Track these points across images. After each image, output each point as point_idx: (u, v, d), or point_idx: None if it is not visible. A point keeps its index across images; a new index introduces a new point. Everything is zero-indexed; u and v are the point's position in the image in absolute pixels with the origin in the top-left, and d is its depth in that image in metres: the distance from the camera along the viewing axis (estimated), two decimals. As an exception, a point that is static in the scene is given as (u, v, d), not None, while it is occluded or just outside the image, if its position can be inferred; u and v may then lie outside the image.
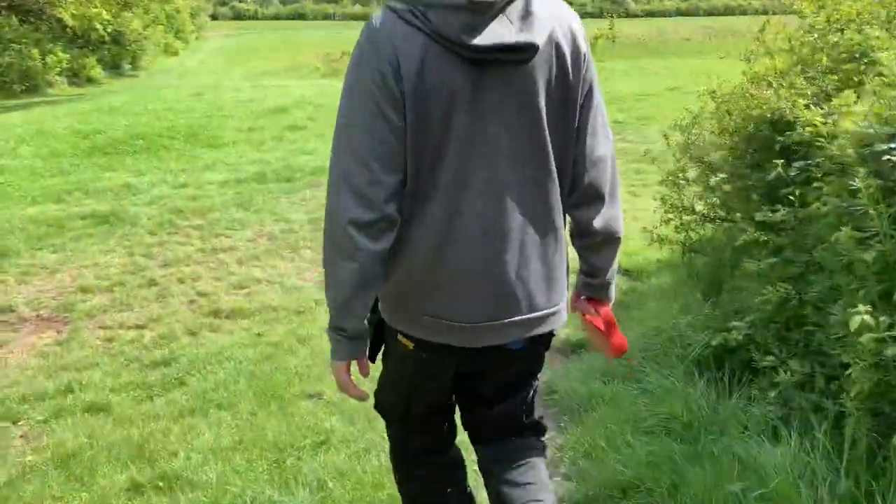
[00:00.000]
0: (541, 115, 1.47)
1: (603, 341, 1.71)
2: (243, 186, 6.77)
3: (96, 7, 22.34)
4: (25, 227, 5.73)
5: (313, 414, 3.03)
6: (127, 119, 11.11)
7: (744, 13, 66.17)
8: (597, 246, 1.63)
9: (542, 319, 1.59)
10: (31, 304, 4.52)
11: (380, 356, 1.79)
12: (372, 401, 1.88)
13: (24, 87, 23.05)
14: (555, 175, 1.53)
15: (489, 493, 1.80)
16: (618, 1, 76.90)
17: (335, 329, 1.56)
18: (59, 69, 25.80)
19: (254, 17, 63.19)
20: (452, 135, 1.44)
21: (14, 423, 3.19)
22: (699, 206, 3.39)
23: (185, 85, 21.97)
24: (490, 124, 1.45)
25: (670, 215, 3.48)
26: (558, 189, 1.55)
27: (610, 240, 1.62)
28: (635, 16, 53.02)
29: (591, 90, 1.54)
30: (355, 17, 65.28)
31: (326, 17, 63.16)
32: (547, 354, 1.79)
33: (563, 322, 1.65)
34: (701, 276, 3.32)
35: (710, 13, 69.64)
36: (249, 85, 18.36)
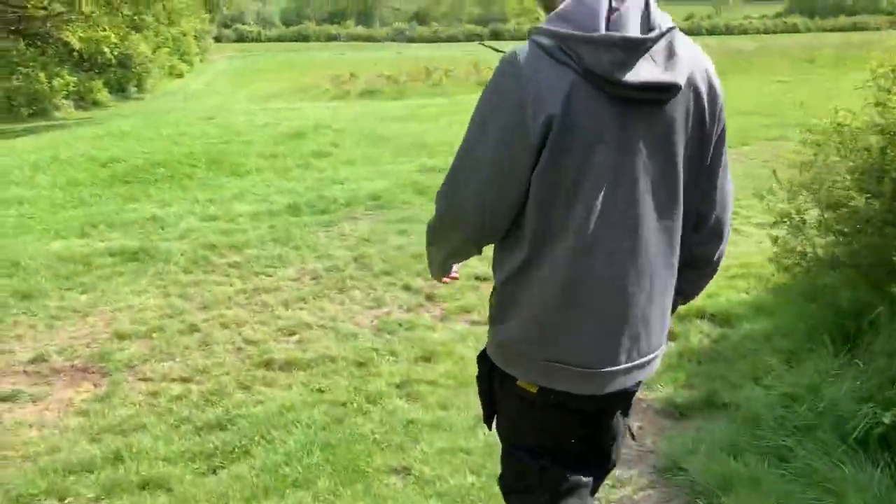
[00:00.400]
0: (677, 154, 1.48)
1: None
2: (277, 219, 6.43)
3: (104, 30, 22.11)
4: (52, 265, 5.38)
5: (405, 495, 2.67)
6: (141, 145, 10.82)
7: (744, 32, 66.86)
8: (705, 276, 1.69)
9: (655, 359, 1.60)
10: (65, 352, 4.17)
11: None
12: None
13: (31, 111, 22.80)
14: (681, 213, 1.52)
15: None
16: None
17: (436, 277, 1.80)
18: (65, 92, 25.59)
19: (257, 39, 63.34)
20: (592, 172, 1.42)
21: (61, 500, 2.83)
22: (822, 250, 3.05)
23: (193, 108, 21.76)
24: (629, 162, 1.44)
25: (788, 259, 3.14)
26: (681, 226, 1.54)
27: (716, 270, 1.70)
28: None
29: (723, 130, 1.55)
30: (359, 38, 65.63)
31: (330, 38, 63.32)
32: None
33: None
34: (825, 327, 2.97)
35: (711, 32, 70.29)
36: (259, 108, 18.11)
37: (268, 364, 3.93)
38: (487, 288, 4.82)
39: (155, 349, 4.17)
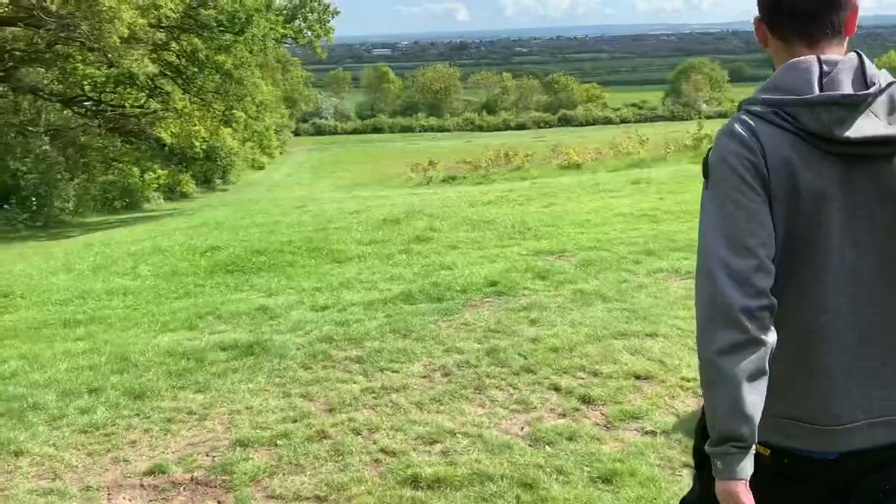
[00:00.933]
0: None
1: None
2: (392, 308, 6.01)
3: (195, 125, 22.93)
4: (163, 361, 5.05)
5: None
6: (237, 234, 10.75)
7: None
8: None
9: None
10: (184, 462, 3.74)
11: None
12: None
13: (123, 203, 23.58)
14: None
15: None
16: (689, 104, 77.50)
17: (727, 440, 1.33)
18: (156, 185, 26.46)
19: (333, 132, 65.68)
20: (820, 231, 1.42)
21: None
22: None
23: (279, 197, 22.15)
24: (857, 220, 1.43)
25: None
26: None
27: None
28: (709, 117, 52.98)
29: None
30: (431, 129, 67.27)
31: (404, 129, 65.22)
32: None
33: None
34: None
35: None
36: (346, 196, 18.20)
37: (414, 481, 3.39)
38: (651, 388, 4.26)
39: (282, 459, 3.70)
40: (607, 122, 72.04)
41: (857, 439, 1.44)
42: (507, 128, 68.59)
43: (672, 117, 69.71)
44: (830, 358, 1.44)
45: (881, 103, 1.41)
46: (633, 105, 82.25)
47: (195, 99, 21.86)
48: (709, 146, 1.54)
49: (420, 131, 65.47)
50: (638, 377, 4.26)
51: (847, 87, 1.40)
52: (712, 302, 1.37)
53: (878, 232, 1.43)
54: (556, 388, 4.23)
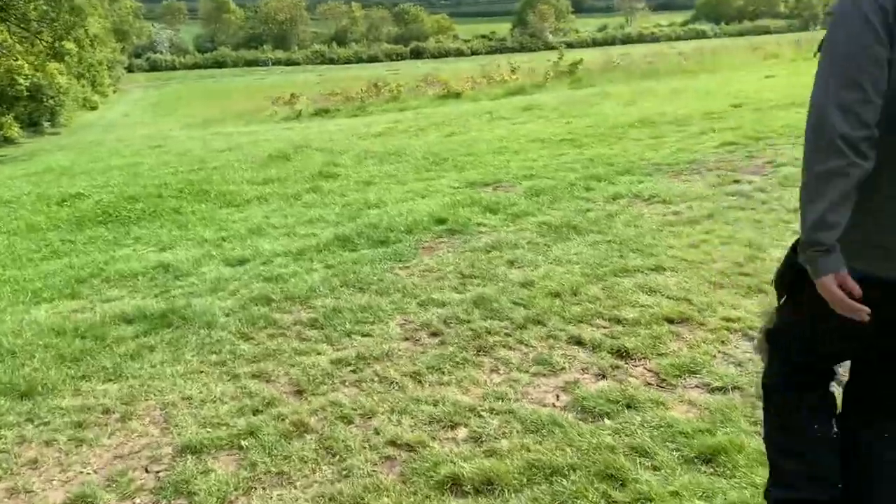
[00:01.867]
0: None
1: None
2: (329, 257, 5.02)
3: (16, 59, 19.94)
4: (50, 343, 3.85)
5: None
6: (95, 179, 9.16)
7: (655, 40, 68.48)
8: None
9: None
10: (116, 485, 2.73)
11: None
12: None
13: (-67, 150, 20.36)
14: None
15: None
16: (536, 35, 78.37)
17: (811, 245, 1.56)
18: (-29, 129, 23.15)
19: (171, 67, 60.40)
20: None
21: None
22: None
23: (122, 137, 19.76)
24: None
25: None
26: None
27: None
28: (580, 46, 53.81)
29: None
30: (279, 62, 63.60)
31: (249, 63, 61.05)
32: None
33: None
34: None
35: (625, 41, 71.67)
36: (207, 133, 16.43)
37: (454, 484, 2.56)
38: (692, 333, 3.58)
39: (257, 468, 2.75)
40: (459, 53, 71.35)
41: None
42: (360, 60, 66.36)
43: (521, 48, 70.08)
44: None
45: None
46: (483, 36, 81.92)
47: (16, 29, 18.88)
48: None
49: (269, 65, 61.72)
50: (671, 321, 3.60)
51: None
52: (820, 127, 1.51)
53: None
54: (579, 342, 3.49)
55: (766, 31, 68.50)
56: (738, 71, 17.73)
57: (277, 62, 63.53)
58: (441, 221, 5.50)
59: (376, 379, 3.35)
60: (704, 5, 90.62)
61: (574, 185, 6.21)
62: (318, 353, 3.64)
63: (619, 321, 3.65)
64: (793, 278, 1.72)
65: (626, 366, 3.27)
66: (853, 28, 1.49)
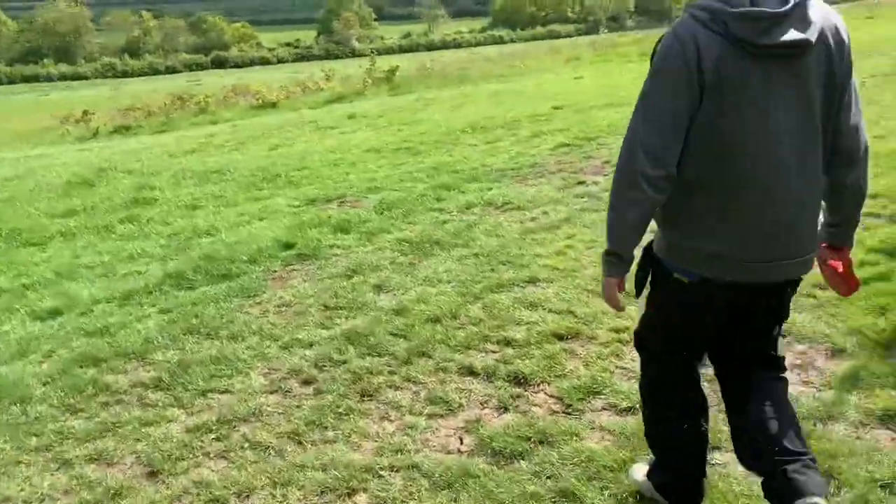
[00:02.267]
0: (815, 98, 1.80)
1: (840, 282, 2.08)
2: (163, 299, 4.37)
3: None
4: None
5: None
6: None
7: (458, 46, 70.71)
8: (847, 200, 1.96)
9: (806, 263, 1.93)
10: None
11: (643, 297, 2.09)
12: None
13: None
14: (821, 146, 1.85)
15: (738, 417, 2.08)
16: (342, 42, 78.00)
17: (613, 254, 1.93)
18: None
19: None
20: (745, 115, 1.77)
21: None
22: None
23: None
24: (775, 108, 1.78)
25: None
26: (821, 156, 1.86)
27: (858, 194, 1.95)
28: (388, 52, 53.89)
29: (849, 73, 1.84)
30: (64, 77, 58.15)
31: (28, 79, 55.15)
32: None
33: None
34: None
35: (429, 48, 73.20)
36: (-13, 159, 14.43)
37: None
38: (585, 348, 3.32)
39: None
40: (265, 62, 69.21)
41: (764, 273, 1.89)
42: (156, 72, 62.37)
43: (328, 55, 69.29)
44: (755, 209, 1.82)
45: (797, 16, 1.73)
46: (289, 44, 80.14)
47: None
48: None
49: (51, 80, 56.27)
50: (561, 337, 3.40)
51: (772, 4, 1.73)
52: (629, 163, 1.83)
53: (790, 116, 1.78)
54: (472, 372, 3.20)
55: (559, 36, 72.78)
56: (546, 73, 18.44)
57: (63, 77, 58.13)
58: (288, 246, 4.99)
59: (247, 445, 2.85)
60: (500, 12, 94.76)
61: (424, 195, 5.93)
62: (170, 421, 3.06)
63: (508, 343, 3.40)
64: (643, 280, 2.04)
65: (527, 393, 3.02)
66: (668, 81, 1.79)
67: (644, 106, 1.82)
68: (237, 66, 66.61)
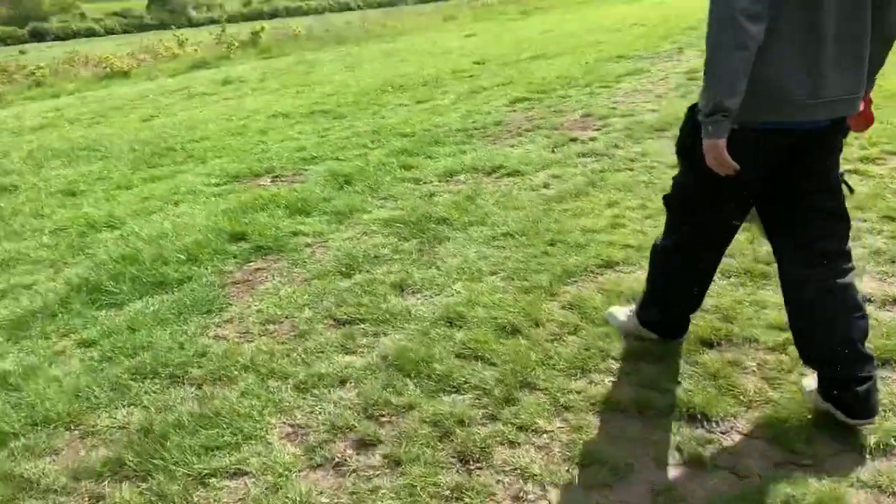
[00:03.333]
0: None
1: (859, 120, 2.04)
2: (87, 325, 3.01)
3: None
4: None
5: None
6: None
7: (305, 13, 67.96)
8: (879, 41, 1.91)
9: (853, 102, 1.92)
10: None
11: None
12: None
13: None
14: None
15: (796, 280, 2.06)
16: (176, 11, 72.89)
17: (719, 111, 1.81)
18: None
19: None
20: None
21: None
22: None
23: None
24: None
25: None
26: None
27: (892, 35, 1.96)
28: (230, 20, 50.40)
29: None
30: None
31: None
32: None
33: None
34: None
35: (273, 15, 69.80)
36: None
37: None
38: (739, 363, 2.44)
39: None
40: (91, 33, 62.94)
41: (820, 110, 1.88)
42: (-36, 47, 55.32)
43: (162, 25, 64.24)
44: (798, 56, 1.83)
45: None
46: (116, 14, 73.66)
47: None
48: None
49: None
50: (709, 344, 2.45)
51: None
52: (726, 11, 1.74)
53: None
54: (616, 407, 2.19)
55: (392, 4, 71.41)
56: (430, 32, 17.35)
57: None
58: (239, 237, 3.72)
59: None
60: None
61: (385, 164, 4.77)
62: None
63: (640, 356, 2.41)
64: (693, 144, 1.95)
65: (715, 435, 2.06)
66: None
67: None
68: (59, 38, 60.29)
